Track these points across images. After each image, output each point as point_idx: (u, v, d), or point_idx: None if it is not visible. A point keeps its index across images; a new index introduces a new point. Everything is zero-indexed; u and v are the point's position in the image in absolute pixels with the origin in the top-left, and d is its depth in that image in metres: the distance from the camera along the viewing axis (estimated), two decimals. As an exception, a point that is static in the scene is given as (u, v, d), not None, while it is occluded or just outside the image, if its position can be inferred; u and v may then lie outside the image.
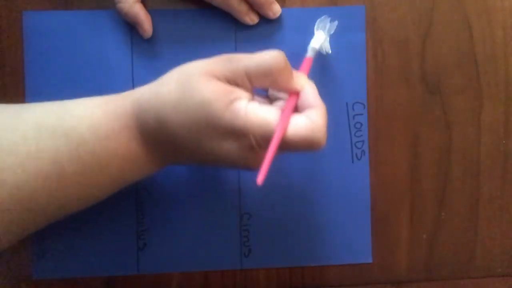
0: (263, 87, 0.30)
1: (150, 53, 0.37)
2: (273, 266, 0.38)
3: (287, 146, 0.27)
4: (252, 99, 0.28)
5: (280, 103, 0.30)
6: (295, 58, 0.37)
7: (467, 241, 0.39)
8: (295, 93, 0.29)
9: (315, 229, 0.38)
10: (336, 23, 0.36)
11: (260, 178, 0.25)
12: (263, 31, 0.37)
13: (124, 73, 0.37)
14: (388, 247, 0.38)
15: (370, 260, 0.38)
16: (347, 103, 0.38)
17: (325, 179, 0.38)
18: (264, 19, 0.37)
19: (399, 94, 0.38)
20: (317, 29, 0.36)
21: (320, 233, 0.38)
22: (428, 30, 0.38)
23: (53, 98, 0.36)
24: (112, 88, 0.37)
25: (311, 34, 0.37)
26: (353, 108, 0.38)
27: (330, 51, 0.36)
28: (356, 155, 0.38)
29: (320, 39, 0.35)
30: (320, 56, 0.37)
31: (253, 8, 0.36)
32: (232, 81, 0.27)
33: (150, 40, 0.37)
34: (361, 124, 0.38)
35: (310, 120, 0.27)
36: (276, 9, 0.36)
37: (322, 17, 0.36)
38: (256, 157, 0.27)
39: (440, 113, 0.39)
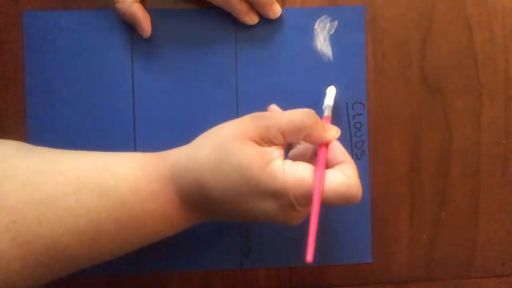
0: (295, 142, 0.31)
1: (150, 53, 0.37)
2: (273, 266, 0.38)
3: (326, 203, 0.27)
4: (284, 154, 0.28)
5: (300, 148, 0.31)
6: (295, 58, 0.37)
7: (467, 241, 0.39)
8: (325, 145, 0.30)
9: (315, 229, 0.38)
10: (336, 23, 0.36)
11: (309, 256, 0.26)
12: (263, 31, 0.37)
13: (124, 73, 0.37)
14: (388, 247, 0.38)
15: (370, 260, 0.38)
16: (347, 103, 0.38)
17: (325, 179, 0.38)
18: (264, 19, 0.37)
19: (399, 94, 0.38)
20: (329, 91, 0.36)
21: (320, 233, 0.38)
22: (428, 30, 0.38)
23: (53, 97, 0.36)
24: (112, 87, 0.37)
25: (311, 34, 0.37)
26: (353, 108, 0.38)
27: (331, 56, 0.36)
28: (356, 155, 0.38)
29: (332, 96, 0.35)
30: (320, 56, 0.37)
31: (253, 8, 0.36)
32: (266, 138, 0.27)
33: (150, 40, 0.37)
34: (361, 124, 0.38)
35: (346, 176, 0.28)
36: (276, 9, 0.36)
37: (322, 17, 0.36)
38: (295, 214, 0.28)
39: (440, 113, 0.39)
